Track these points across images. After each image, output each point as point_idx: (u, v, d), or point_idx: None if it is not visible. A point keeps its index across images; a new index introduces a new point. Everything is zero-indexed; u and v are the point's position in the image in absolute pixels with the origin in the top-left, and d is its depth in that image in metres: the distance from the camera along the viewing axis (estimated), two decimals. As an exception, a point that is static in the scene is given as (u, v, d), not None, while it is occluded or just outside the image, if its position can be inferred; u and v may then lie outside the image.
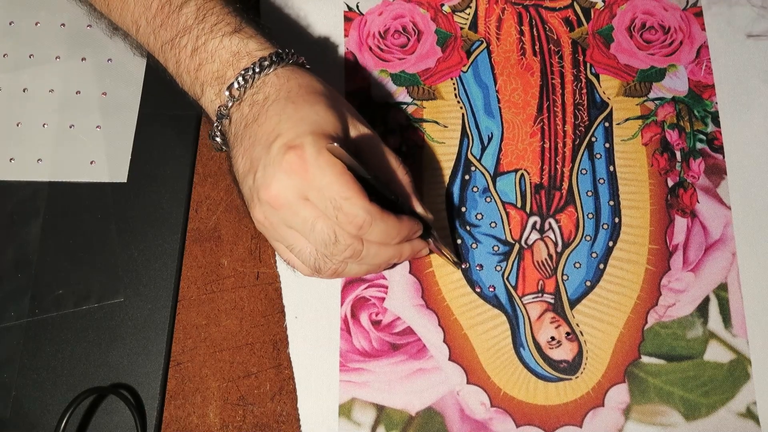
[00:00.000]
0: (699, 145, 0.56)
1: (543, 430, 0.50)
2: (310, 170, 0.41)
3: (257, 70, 0.45)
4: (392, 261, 0.48)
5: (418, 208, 0.48)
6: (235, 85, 0.45)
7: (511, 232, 0.54)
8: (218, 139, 0.48)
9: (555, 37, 0.59)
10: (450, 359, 0.52)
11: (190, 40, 0.47)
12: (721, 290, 0.52)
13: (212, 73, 0.46)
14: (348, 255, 0.44)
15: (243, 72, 0.45)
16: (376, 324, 0.53)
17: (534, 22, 0.60)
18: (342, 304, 0.53)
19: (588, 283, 0.53)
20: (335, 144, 0.41)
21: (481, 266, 0.54)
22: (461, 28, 0.60)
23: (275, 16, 0.60)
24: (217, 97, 0.46)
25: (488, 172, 0.56)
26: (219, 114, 0.46)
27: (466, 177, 0.56)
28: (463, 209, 0.55)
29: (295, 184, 0.42)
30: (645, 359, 0.51)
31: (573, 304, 0.52)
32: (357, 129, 0.46)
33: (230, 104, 0.46)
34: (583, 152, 0.56)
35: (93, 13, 0.55)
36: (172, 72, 0.49)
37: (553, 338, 0.52)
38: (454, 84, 0.58)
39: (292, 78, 0.45)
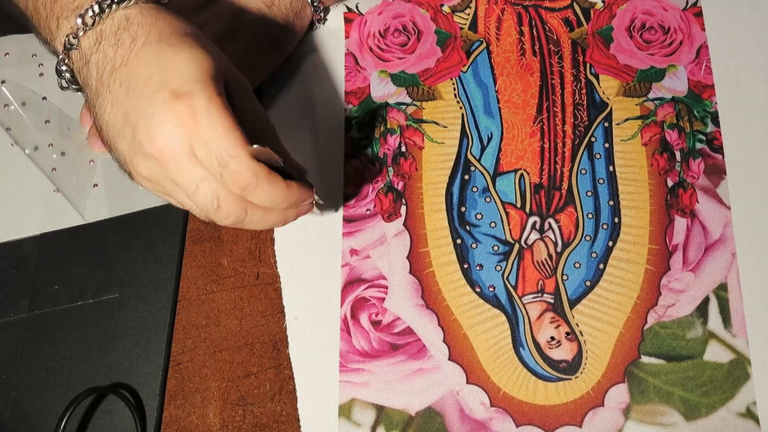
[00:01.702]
0: (699, 145, 0.56)
1: (543, 430, 0.50)
2: (199, 120, 0.38)
3: (116, 1, 0.41)
4: (277, 225, 0.45)
5: (288, 157, 0.45)
6: (90, 13, 0.41)
7: (510, 232, 0.54)
8: (67, 75, 0.44)
9: (555, 38, 0.59)
10: (450, 359, 0.52)
11: None
12: (721, 290, 0.52)
13: (70, 3, 0.42)
14: (230, 222, 0.42)
15: (99, 0, 0.41)
16: (375, 324, 0.53)
17: (534, 23, 0.60)
18: (342, 305, 0.53)
19: (588, 283, 0.53)
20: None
21: (481, 266, 0.54)
22: (461, 28, 0.60)
23: (275, 16, 0.60)
24: (71, 30, 0.42)
25: (488, 172, 0.56)
26: (67, 44, 0.42)
27: (466, 177, 0.56)
28: (463, 209, 0.55)
29: (182, 135, 0.39)
30: (645, 359, 0.51)
31: (573, 304, 0.52)
32: (234, 76, 0.43)
33: (81, 33, 0.42)
34: (583, 152, 0.56)
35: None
36: (30, 10, 0.45)
37: (552, 338, 0.52)
38: (453, 84, 0.58)
39: (159, 18, 0.41)
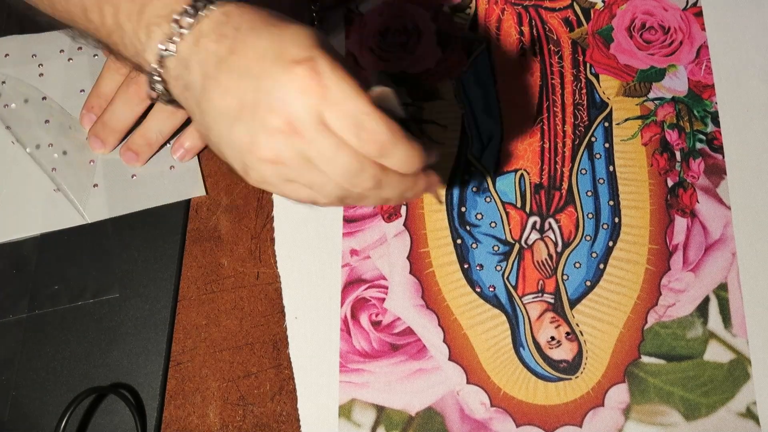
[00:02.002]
0: (699, 145, 0.56)
1: (543, 430, 0.50)
2: (326, 83, 0.36)
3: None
4: (406, 194, 0.42)
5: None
6: (186, 16, 0.39)
7: (511, 232, 0.54)
8: (159, 86, 0.42)
9: (555, 38, 0.59)
10: (450, 359, 0.52)
11: None
12: (721, 290, 0.52)
13: (162, 10, 0.40)
14: (370, 185, 0.39)
15: (195, 1, 0.39)
16: (376, 324, 0.53)
17: (534, 23, 0.60)
18: (342, 305, 0.53)
19: (588, 283, 0.53)
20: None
21: (481, 266, 0.54)
22: (461, 29, 0.60)
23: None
24: (165, 37, 0.40)
25: (488, 172, 0.56)
26: (162, 52, 0.40)
27: (466, 177, 0.56)
28: (463, 209, 0.55)
29: (310, 102, 0.36)
30: (645, 359, 0.51)
31: (573, 303, 0.52)
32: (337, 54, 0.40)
33: (177, 38, 0.40)
34: (583, 152, 0.56)
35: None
36: (110, 27, 0.42)
37: (552, 338, 0.52)
38: (453, 84, 0.58)
39: (256, 8, 0.40)
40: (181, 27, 0.40)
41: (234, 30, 0.39)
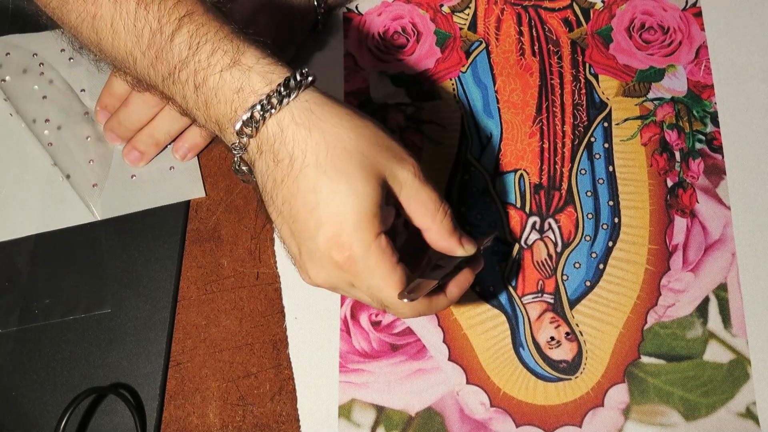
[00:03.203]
0: (698, 146, 0.56)
1: (543, 430, 0.50)
2: (359, 271, 0.41)
3: (266, 108, 0.40)
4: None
5: (458, 251, 0.45)
6: (245, 128, 0.41)
7: (510, 232, 0.54)
8: (244, 168, 0.44)
9: (554, 38, 0.59)
10: (449, 359, 0.52)
11: (189, 75, 0.42)
12: (721, 290, 0.52)
13: (222, 113, 0.42)
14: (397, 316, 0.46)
15: (250, 110, 0.40)
16: (375, 325, 0.53)
17: (533, 23, 0.60)
18: (342, 305, 0.53)
19: (588, 283, 0.53)
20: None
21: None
22: (460, 29, 0.60)
23: (275, 17, 0.61)
24: (235, 138, 0.42)
25: (487, 172, 0.56)
26: (235, 147, 0.42)
27: (466, 177, 0.56)
28: (463, 209, 0.55)
29: (344, 277, 0.42)
30: (645, 359, 0.51)
31: (573, 304, 0.52)
32: (394, 174, 0.42)
33: (245, 140, 0.42)
34: (583, 152, 0.56)
35: (74, 43, 0.49)
36: (183, 107, 0.44)
37: (552, 338, 0.52)
38: (453, 84, 0.58)
39: (313, 128, 0.40)
40: (243, 134, 0.41)
41: (288, 158, 0.41)
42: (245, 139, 0.41)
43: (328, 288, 0.43)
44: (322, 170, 0.40)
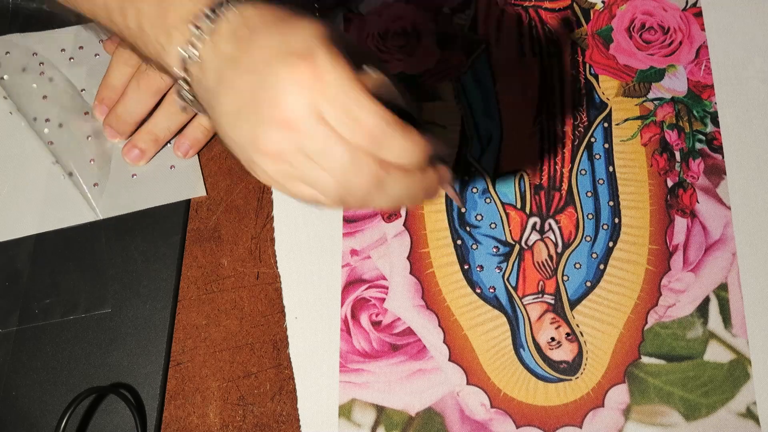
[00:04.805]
0: (698, 146, 0.56)
1: (543, 431, 0.50)
2: (323, 77, 0.36)
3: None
4: (418, 192, 0.41)
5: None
6: (205, 20, 0.40)
7: (511, 233, 0.54)
8: (187, 93, 0.42)
9: (554, 38, 0.59)
10: (450, 360, 0.52)
11: None
12: (721, 290, 0.52)
13: (183, 15, 0.40)
14: (370, 181, 0.38)
15: (214, 5, 0.39)
16: (376, 325, 0.53)
17: (533, 23, 0.60)
18: (342, 305, 0.53)
19: (588, 284, 0.53)
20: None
21: (482, 267, 0.54)
22: (461, 29, 0.60)
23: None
24: (186, 41, 0.40)
25: (487, 173, 0.56)
26: (183, 55, 0.40)
27: (466, 178, 0.56)
28: (463, 210, 0.55)
29: (308, 97, 0.37)
30: (645, 359, 0.51)
31: (573, 304, 0.52)
32: (348, 43, 0.40)
33: (197, 42, 0.40)
34: (583, 153, 0.56)
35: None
36: (134, 30, 0.43)
37: (553, 339, 0.52)
38: (453, 85, 0.58)
39: (273, 6, 0.40)
40: (201, 31, 0.40)
41: (248, 30, 0.39)
42: (198, 42, 0.40)
43: (290, 134, 0.37)
44: (281, 20, 0.38)
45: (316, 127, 0.37)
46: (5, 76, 0.58)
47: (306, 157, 0.38)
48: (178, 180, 0.56)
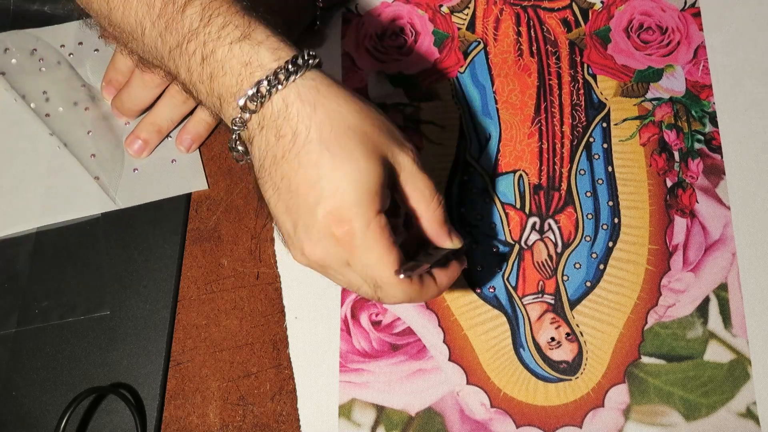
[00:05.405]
0: (697, 146, 0.56)
1: (543, 431, 0.50)
2: (357, 246, 0.40)
3: (273, 83, 0.41)
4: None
5: (446, 243, 0.46)
6: (249, 104, 0.41)
7: (510, 233, 0.54)
8: (240, 148, 0.44)
9: (552, 38, 0.59)
10: (450, 360, 0.52)
11: (198, 46, 0.42)
12: (721, 290, 0.52)
13: (227, 86, 0.42)
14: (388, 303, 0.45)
15: (257, 84, 0.41)
16: (376, 324, 0.53)
17: (532, 23, 0.60)
18: (342, 305, 0.53)
19: (588, 284, 0.53)
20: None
21: (481, 267, 0.54)
22: (459, 29, 0.60)
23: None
24: (236, 113, 0.42)
25: (486, 173, 0.56)
26: (235, 122, 0.42)
27: (465, 178, 0.56)
28: (463, 210, 0.55)
29: (340, 254, 0.41)
30: (645, 359, 0.51)
31: (573, 304, 0.52)
32: (394, 157, 0.42)
33: (247, 116, 0.42)
34: (582, 153, 0.56)
35: (87, 18, 0.49)
36: (186, 81, 0.44)
37: (553, 339, 0.52)
38: (451, 85, 0.59)
39: (318, 106, 0.41)
40: (246, 109, 0.41)
41: (291, 134, 0.41)
42: (247, 115, 0.41)
43: (320, 267, 0.42)
44: (325, 146, 0.40)
45: (343, 270, 0.42)
46: (5, 72, 0.59)
47: (331, 279, 0.44)
48: (180, 173, 0.56)
